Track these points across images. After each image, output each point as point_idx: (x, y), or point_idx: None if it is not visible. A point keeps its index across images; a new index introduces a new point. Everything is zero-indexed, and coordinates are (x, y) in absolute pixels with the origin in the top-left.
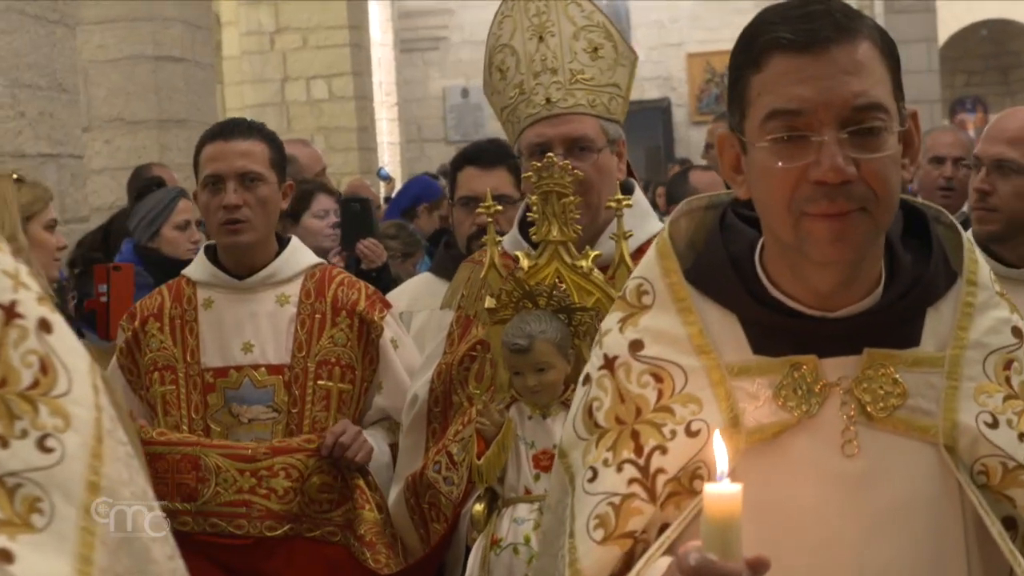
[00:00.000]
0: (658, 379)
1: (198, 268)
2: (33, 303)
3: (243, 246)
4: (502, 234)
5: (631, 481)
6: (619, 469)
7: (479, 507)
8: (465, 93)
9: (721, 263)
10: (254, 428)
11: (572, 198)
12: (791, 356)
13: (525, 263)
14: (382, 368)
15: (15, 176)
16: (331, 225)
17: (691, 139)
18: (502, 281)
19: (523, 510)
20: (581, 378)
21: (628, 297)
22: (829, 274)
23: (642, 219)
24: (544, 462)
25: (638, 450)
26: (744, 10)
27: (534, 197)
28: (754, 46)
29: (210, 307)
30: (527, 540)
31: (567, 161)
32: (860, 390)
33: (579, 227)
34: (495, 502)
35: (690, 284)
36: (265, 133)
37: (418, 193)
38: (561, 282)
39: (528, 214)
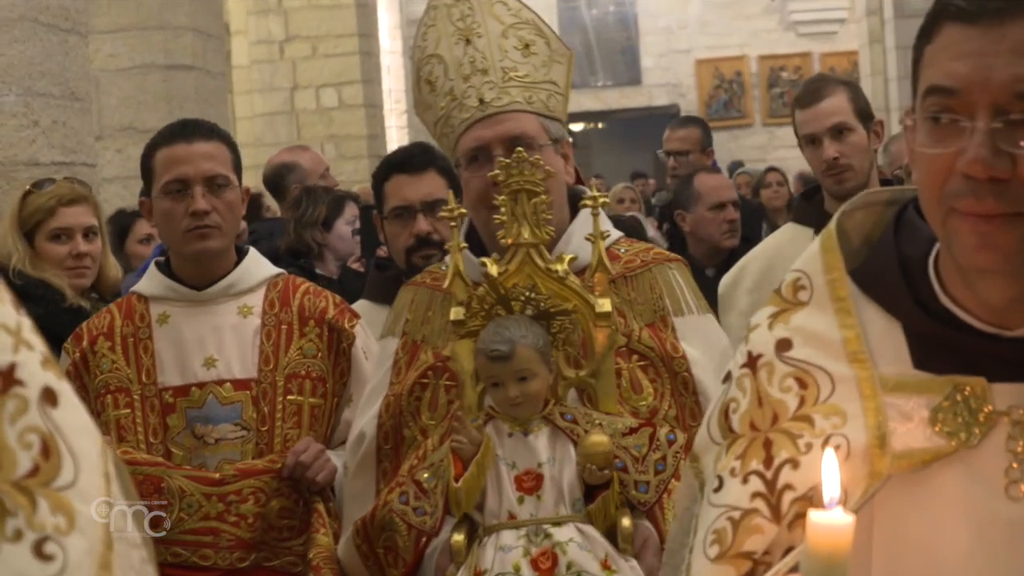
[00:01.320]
0: (802, 384)
1: (150, 283)
2: (36, 367)
3: (211, 253)
4: (441, 244)
5: (755, 496)
6: (745, 480)
7: (459, 537)
8: None
9: (890, 264)
10: (222, 448)
11: (544, 196)
12: (956, 376)
13: (494, 269)
14: (353, 380)
15: (28, 187)
16: (353, 232)
17: None
18: (469, 290)
19: (508, 537)
20: (723, 375)
21: (783, 291)
22: (998, 285)
23: (589, 220)
24: (528, 483)
25: (767, 461)
26: (752, 16)
27: (502, 197)
28: (930, 14)
29: (166, 322)
30: (516, 569)
31: (537, 156)
32: None
33: (552, 228)
34: (474, 532)
35: (855, 284)
36: (222, 134)
37: None
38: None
39: (495, 216)
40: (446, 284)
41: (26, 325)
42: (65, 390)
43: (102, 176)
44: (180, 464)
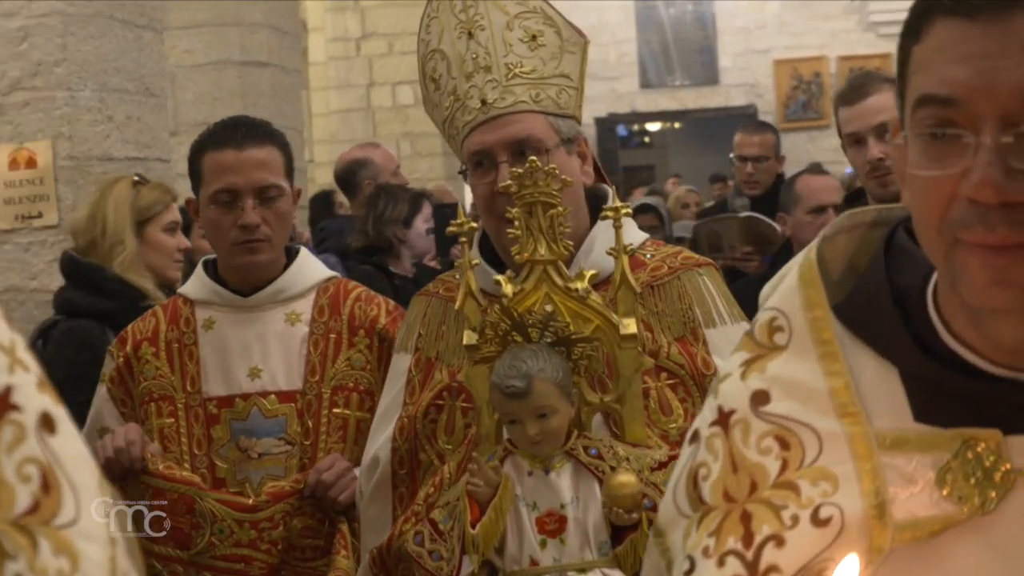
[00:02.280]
0: (784, 444)
1: (196, 285)
2: (33, 390)
3: (260, 266)
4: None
5: None
6: (721, 563)
7: None
8: None
9: (881, 298)
10: (265, 464)
11: (560, 209)
12: (965, 428)
13: (508, 289)
14: None
15: (136, 178)
16: (428, 230)
17: None
18: (482, 312)
19: None
20: (689, 434)
21: (757, 333)
22: (1012, 324)
23: (624, 232)
24: (550, 526)
25: (747, 539)
26: (831, 16)
27: (515, 210)
28: (916, 7)
29: (211, 328)
30: None
31: (553, 165)
32: None
33: (570, 243)
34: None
35: (840, 322)
36: (275, 136)
37: None
38: (551, 309)
39: (509, 231)
40: (457, 305)
41: (20, 343)
42: (62, 416)
43: (176, 171)
44: (224, 477)
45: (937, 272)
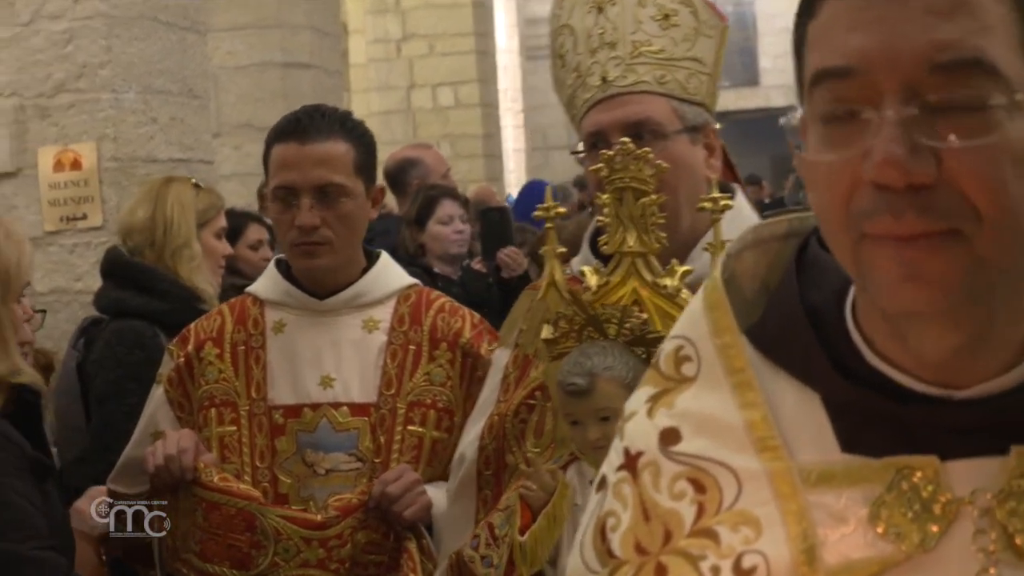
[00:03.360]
0: (699, 487)
1: (268, 284)
2: None
3: (320, 271)
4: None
5: None
6: None
7: None
8: None
9: (795, 318)
10: (332, 481)
11: (654, 196)
12: (898, 457)
13: (593, 280)
14: None
15: (193, 182)
16: (456, 231)
17: None
18: (564, 304)
19: None
20: (596, 482)
21: (662, 365)
22: (933, 331)
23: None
24: None
25: None
26: None
27: (605, 196)
28: None
29: (281, 331)
30: None
31: (647, 148)
32: (1004, 511)
33: (663, 235)
34: None
35: (755, 348)
36: (348, 128)
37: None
38: (639, 306)
39: (598, 219)
40: (539, 296)
41: None
42: None
43: (219, 173)
44: (287, 493)
45: (853, 281)
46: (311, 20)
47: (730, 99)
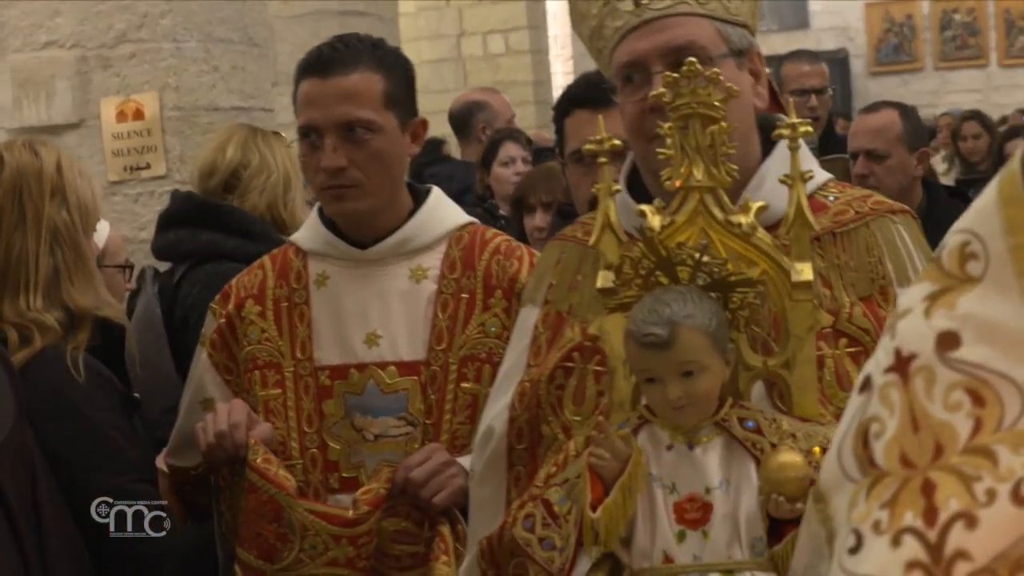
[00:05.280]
0: (977, 400)
1: (309, 234)
2: None
3: (354, 215)
4: None
5: (911, 566)
6: (896, 542)
7: None
8: None
9: None
10: (382, 447)
11: (723, 124)
12: None
13: (655, 221)
14: None
15: (283, 135)
16: (517, 172)
17: (869, 91)
18: (622, 248)
19: None
20: (859, 381)
21: (945, 261)
22: None
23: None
24: (692, 514)
25: (929, 515)
26: None
27: (668, 125)
28: None
29: (324, 285)
30: None
31: (716, 70)
32: None
33: (734, 167)
34: (619, 574)
35: None
36: (378, 57)
37: None
38: (707, 244)
39: (659, 151)
40: (592, 240)
41: None
42: None
43: (278, 122)
44: (336, 460)
45: None
46: None
47: (780, 42)
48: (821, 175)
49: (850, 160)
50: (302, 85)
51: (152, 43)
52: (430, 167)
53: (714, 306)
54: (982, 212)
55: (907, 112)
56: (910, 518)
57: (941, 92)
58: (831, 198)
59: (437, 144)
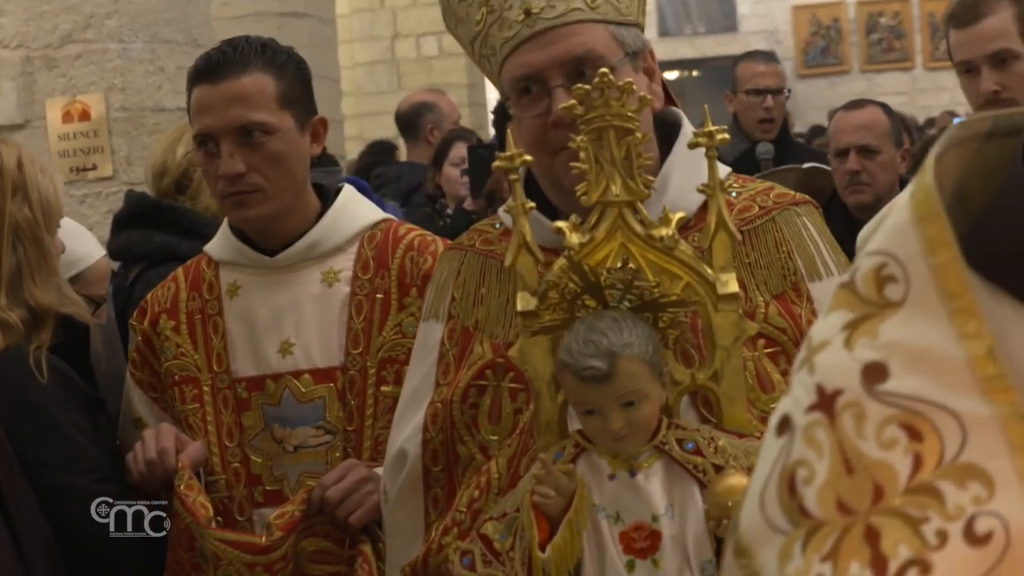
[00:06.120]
0: (914, 435)
1: (220, 243)
2: None
3: (259, 221)
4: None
5: None
6: None
7: None
8: None
9: None
10: (302, 458)
11: (639, 135)
12: None
13: (574, 238)
14: None
15: None
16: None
17: (798, 93)
18: (540, 269)
19: None
20: (775, 421)
21: (859, 285)
22: None
23: (696, 169)
24: (640, 543)
25: (878, 564)
26: None
27: (581, 139)
28: None
29: (236, 295)
30: None
31: (629, 80)
32: None
33: (651, 179)
34: None
35: (971, 267)
36: (268, 57)
37: None
38: (635, 267)
39: (573, 165)
40: (508, 261)
41: None
42: None
43: None
44: (259, 473)
45: None
46: None
47: (709, 45)
48: (722, 170)
49: (833, 159)
50: (194, 93)
51: (98, 44)
52: (377, 167)
53: (647, 330)
54: (896, 232)
55: (888, 109)
56: (856, 569)
57: (868, 94)
58: (733, 194)
59: (389, 149)
